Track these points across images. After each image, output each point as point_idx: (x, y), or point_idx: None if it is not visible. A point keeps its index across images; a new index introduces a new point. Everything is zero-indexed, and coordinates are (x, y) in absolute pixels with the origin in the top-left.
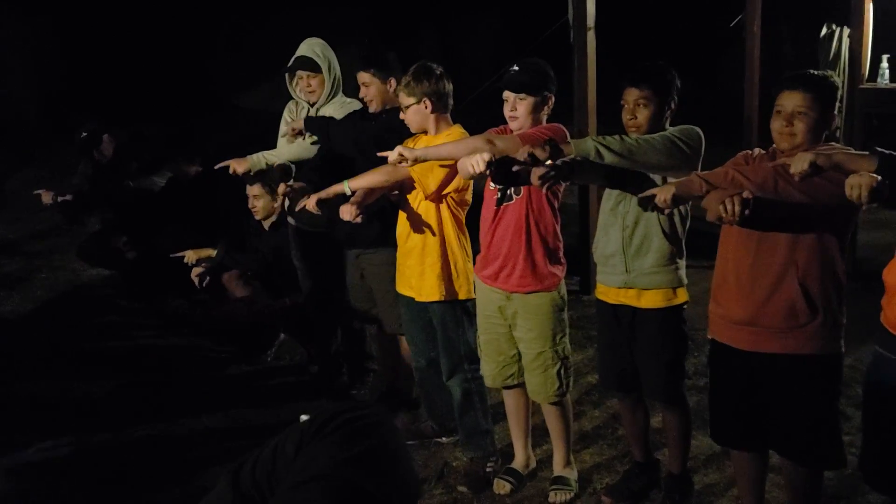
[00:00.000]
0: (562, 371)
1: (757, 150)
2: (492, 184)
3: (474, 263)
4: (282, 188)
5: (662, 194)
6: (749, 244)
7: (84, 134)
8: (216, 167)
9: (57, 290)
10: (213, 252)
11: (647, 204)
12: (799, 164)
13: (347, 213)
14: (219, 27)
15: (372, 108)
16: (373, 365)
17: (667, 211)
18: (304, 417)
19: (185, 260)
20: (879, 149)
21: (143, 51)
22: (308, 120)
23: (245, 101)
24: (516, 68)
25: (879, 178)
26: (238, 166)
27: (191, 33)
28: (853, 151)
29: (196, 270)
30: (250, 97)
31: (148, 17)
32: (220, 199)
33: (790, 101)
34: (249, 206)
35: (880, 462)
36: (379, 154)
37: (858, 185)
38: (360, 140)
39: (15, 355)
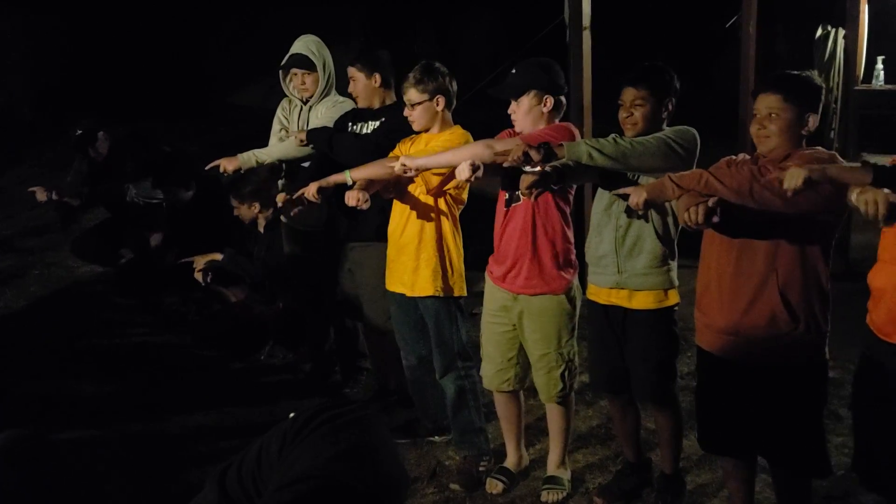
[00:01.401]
0: (566, 373)
1: (741, 155)
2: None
3: (486, 263)
4: (281, 197)
5: (634, 197)
6: (730, 252)
7: (79, 131)
8: (207, 167)
9: (50, 287)
10: (219, 256)
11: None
12: (792, 179)
13: (353, 198)
14: (215, 25)
15: (359, 104)
16: (366, 363)
17: (641, 213)
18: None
19: (194, 265)
20: (872, 161)
21: (139, 49)
22: (310, 132)
23: (241, 99)
24: (512, 72)
25: (891, 192)
26: (228, 165)
27: (187, 31)
28: (846, 164)
29: (199, 267)
30: (246, 95)
31: (144, 15)
32: (224, 212)
33: (763, 103)
34: (234, 212)
35: (871, 462)
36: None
37: (874, 201)
38: (363, 150)
39: (7, 352)
